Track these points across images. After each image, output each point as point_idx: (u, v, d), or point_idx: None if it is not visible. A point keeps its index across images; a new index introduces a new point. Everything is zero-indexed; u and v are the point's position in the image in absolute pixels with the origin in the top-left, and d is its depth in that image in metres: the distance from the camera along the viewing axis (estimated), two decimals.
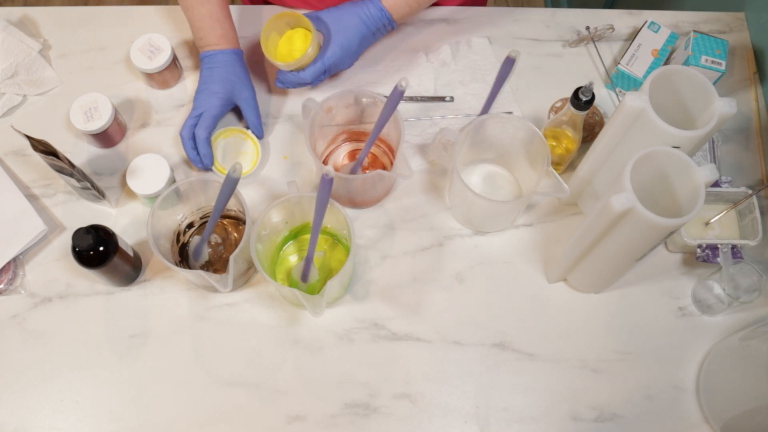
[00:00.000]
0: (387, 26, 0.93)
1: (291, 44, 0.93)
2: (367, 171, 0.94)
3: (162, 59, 0.94)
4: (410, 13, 0.94)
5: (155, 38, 0.95)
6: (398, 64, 1.02)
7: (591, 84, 0.81)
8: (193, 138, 0.91)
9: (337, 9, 0.92)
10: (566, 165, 0.94)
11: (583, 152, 0.88)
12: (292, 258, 0.90)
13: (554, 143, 0.90)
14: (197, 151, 0.91)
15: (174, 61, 0.97)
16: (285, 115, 0.99)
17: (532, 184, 0.87)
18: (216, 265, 0.89)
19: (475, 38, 1.04)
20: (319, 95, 0.98)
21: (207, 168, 0.92)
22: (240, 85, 0.92)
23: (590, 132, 0.96)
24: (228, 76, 0.91)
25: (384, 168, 0.95)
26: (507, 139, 0.89)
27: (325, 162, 0.95)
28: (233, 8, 1.04)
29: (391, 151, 0.94)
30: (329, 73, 0.93)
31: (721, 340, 0.87)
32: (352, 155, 0.96)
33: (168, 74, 0.97)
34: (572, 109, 0.83)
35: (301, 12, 0.92)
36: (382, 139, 0.94)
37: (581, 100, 0.81)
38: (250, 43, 1.02)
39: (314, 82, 0.93)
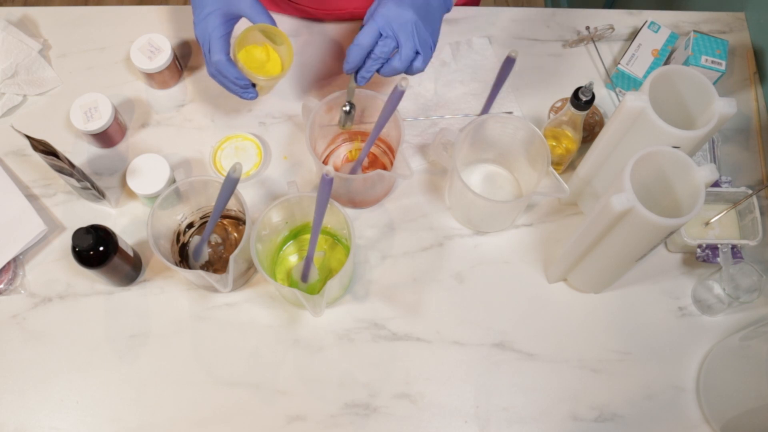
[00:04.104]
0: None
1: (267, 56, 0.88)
2: (367, 171, 0.94)
3: (162, 59, 0.94)
4: None
5: (155, 38, 0.95)
6: None
7: (591, 84, 0.81)
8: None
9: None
10: (566, 165, 0.94)
11: (583, 152, 0.88)
12: (292, 258, 0.90)
13: (554, 143, 0.90)
14: (231, 80, 0.81)
15: (174, 61, 0.97)
16: (285, 115, 0.99)
17: (532, 184, 0.87)
18: (216, 265, 0.89)
19: (476, 38, 1.04)
20: (319, 95, 0.98)
21: (246, 88, 0.83)
22: None
23: (590, 132, 0.96)
24: None
25: (384, 168, 0.95)
26: (507, 139, 0.89)
27: (325, 162, 0.95)
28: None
29: (391, 151, 0.94)
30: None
31: (721, 340, 0.87)
32: (352, 155, 0.96)
33: (168, 74, 0.97)
34: (572, 109, 0.83)
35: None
36: (382, 139, 0.94)
37: (581, 100, 0.81)
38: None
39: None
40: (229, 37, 0.82)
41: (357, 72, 0.80)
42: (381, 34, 0.77)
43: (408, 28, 0.76)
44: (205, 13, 0.80)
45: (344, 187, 0.89)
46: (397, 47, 0.77)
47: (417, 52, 0.78)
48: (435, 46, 0.80)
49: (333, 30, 1.04)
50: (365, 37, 0.76)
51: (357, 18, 1.04)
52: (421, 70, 0.80)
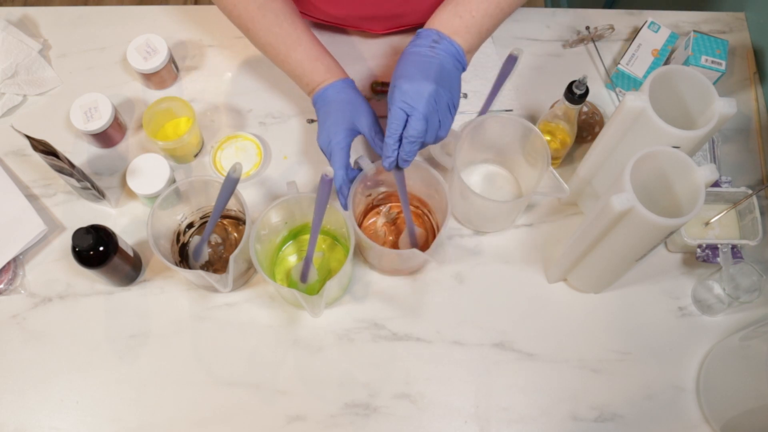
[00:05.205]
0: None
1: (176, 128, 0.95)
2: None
3: (158, 60, 0.94)
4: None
5: (152, 39, 0.95)
6: None
7: (585, 78, 0.81)
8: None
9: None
10: (562, 159, 0.94)
11: (583, 152, 0.88)
12: (292, 258, 0.90)
13: (549, 137, 0.90)
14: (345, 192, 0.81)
15: (170, 63, 0.97)
16: (285, 115, 0.99)
17: (532, 184, 0.87)
18: (216, 265, 0.89)
19: None
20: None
21: (343, 206, 0.82)
22: (358, 111, 0.82)
23: (591, 132, 0.96)
24: (342, 105, 0.82)
25: (434, 233, 0.91)
26: (507, 139, 0.89)
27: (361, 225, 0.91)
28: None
29: (429, 211, 0.91)
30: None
31: (721, 340, 0.87)
32: (392, 221, 0.92)
33: (165, 74, 0.97)
34: (566, 103, 0.83)
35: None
36: (420, 200, 0.91)
37: (575, 93, 0.81)
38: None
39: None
40: (347, 155, 0.81)
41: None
42: (408, 115, 0.74)
43: (430, 102, 0.74)
44: (328, 125, 0.81)
45: (394, 260, 0.87)
46: (426, 122, 0.75)
47: (439, 120, 0.76)
48: (457, 107, 0.79)
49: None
50: (394, 124, 0.74)
51: (335, 22, 1.01)
52: (444, 136, 0.79)
